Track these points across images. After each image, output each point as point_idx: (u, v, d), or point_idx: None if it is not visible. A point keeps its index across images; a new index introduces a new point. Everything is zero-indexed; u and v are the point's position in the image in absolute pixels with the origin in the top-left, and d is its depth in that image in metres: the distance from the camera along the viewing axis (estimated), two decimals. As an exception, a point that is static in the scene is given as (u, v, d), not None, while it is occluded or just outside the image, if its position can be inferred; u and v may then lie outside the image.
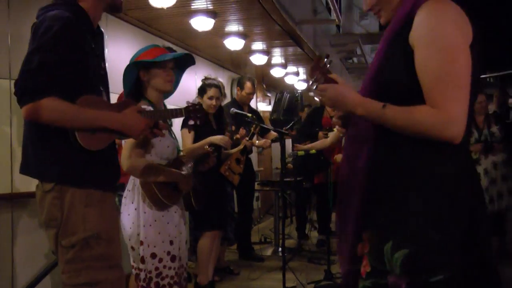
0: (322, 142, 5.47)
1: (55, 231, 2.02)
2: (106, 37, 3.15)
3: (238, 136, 4.88)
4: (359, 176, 1.64)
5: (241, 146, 4.80)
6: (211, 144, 3.92)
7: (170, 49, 3.46)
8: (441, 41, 1.48)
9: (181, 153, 3.03)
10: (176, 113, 2.49)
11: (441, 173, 1.50)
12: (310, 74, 1.69)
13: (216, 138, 4.11)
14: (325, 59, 1.68)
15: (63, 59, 1.95)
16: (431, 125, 1.46)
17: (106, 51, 3.15)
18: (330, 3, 6.83)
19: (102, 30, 3.14)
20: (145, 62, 2.73)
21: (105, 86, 2.20)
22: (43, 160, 2.01)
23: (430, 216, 1.48)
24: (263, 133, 5.55)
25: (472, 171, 1.61)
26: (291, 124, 5.65)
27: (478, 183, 1.62)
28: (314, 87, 1.65)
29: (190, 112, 2.55)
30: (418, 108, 1.49)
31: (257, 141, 5.29)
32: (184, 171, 2.80)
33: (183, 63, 3.00)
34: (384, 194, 1.57)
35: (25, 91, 1.91)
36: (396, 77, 1.55)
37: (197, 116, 2.58)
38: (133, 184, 2.77)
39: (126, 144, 2.66)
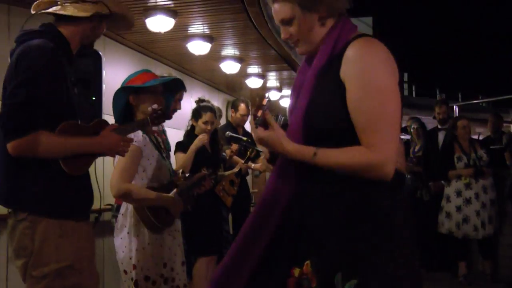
0: None
1: (24, 260, 2.00)
2: (103, 59, 3.21)
3: (231, 151, 4.90)
4: (278, 212, 1.62)
5: (236, 169, 4.83)
6: (207, 168, 3.95)
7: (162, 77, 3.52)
8: (375, 83, 1.50)
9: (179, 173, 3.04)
10: (143, 124, 2.54)
11: (382, 204, 1.53)
12: (254, 114, 1.69)
13: (196, 141, 4.16)
14: (266, 99, 1.68)
15: (49, 93, 1.97)
16: (366, 166, 1.50)
17: (103, 73, 3.21)
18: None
19: (100, 53, 3.21)
20: (134, 87, 2.77)
21: (80, 112, 2.21)
22: (17, 190, 2.01)
23: (375, 247, 1.50)
24: (256, 156, 5.59)
25: (405, 200, 1.64)
26: None
27: (408, 211, 1.64)
28: (256, 127, 1.64)
29: (155, 119, 2.58)
30: (352, 149, 1.51)
31: (253, 165, 5.31)
32: (173, 194, 2.80)
33: (174, 88, 3.04)
34: (324, 229, 1.57)
35: (13, 126, 1.90)
36: (330, 113, 1.55)
37: (161, 121, 2.63)
38: (125, 208, 2.77)
39: (115, 169, 2.65)
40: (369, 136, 1.49)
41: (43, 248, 1.98)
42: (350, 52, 1.55)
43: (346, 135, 1.53)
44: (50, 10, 2.13)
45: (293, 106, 1.72)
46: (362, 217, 1.52)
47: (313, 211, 1.59)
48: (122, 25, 2.40)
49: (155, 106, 2.61)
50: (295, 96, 1.74)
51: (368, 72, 1.51)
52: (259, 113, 1.64)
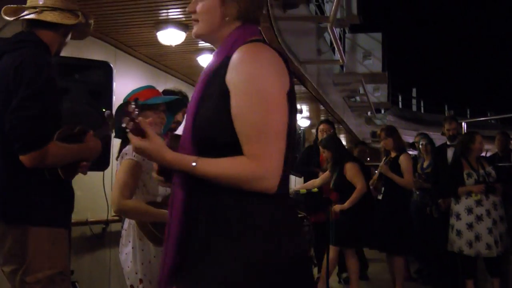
0: (312, 182, 5.54)
1: (14, 267, 2.05)
2: (114, 71, 3.24)
3: None
4: (174, 227, 1.56)
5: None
6: None
7: (169, 92, 3.52)
8: (258, 91, 1.41)
9: None
10: (108, 128, 2.59)
11: (260, 223, 1.43)
12: (122, 120, 1.57)
13: None
14: (133, 105, 1.54)
15: (55, 104, 2.05)
16: (245, 178, 1.40)
17: (114, 85, 3.24)
18: (334, 44, 6.97)
19: (111, 65, 3.24)
20: None
21: (87, 121, 2.34)
22: (9, 200, 2.06)
23: (250, 267, 1.40)
24: None
25: (292, 219, 1.52)
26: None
27: (299, 232, 1.52)
28: (127, 132, 1.53)
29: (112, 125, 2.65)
30: (233, 160, 1.42)
31: None
32: None
33: (176, 106, 3.07)
34: (199, 246, 1.49)
35: (31, 138, 1.94)
36: (216, 121, 1.46)
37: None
38: (128, 223, 2.76)
39: (115, 185, 2.64)
40: (250, 147, 1.41)
41: (37, 255, 2.04)
42: (236, 57, 1.46)
43: (234, 145, 1.44)
44: (31, 16, 2.16)
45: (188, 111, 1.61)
46: (238, 233, 1.43)
47: (193, 226, 1.51)
48: (80, 35, 2.45)
49: (108, 112, 2.68)
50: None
51: (251, 79, 1.42)
52: (126, 121, 1.50)
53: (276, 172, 1.41)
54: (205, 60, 5.30)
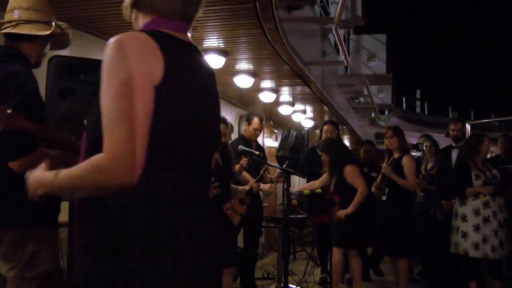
0: (312, 184, 5.55)
1: (12, 265, 2.18)
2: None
3: (240, 165, 4.86)
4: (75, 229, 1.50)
5: (247, 187, 4.79)
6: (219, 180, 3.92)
7: None
8: (111, 78, 1.32)
9: None
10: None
11: (128, 226, 1.34)
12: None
13: None
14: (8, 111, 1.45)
15: (40, 112, 2.16)
16: (94, 170, 1.29)
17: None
18: (339, 45, 6.97)
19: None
20: None
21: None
22: (4, 206, 2.16)
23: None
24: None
25: (158, 228, 1.36)
26: (286, 163, 5.61)
27: (166, 243, 1.37)
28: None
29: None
30: (90, 158, 1.31)
31: (261, 185, 5.25)
32: None
33: None
34: (76, 264, 1.46)
35: (20, 145, 2.05)
36: (96, 119, 1.37)
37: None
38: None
39: None
40: (104, 138, 1.30)
41: (34, 254, 2.17)
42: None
43: None
44: (7, 30, 2.27)
45: None
46: (101, 246, 1.35)
47: (84, 232, 1.43)
48: (60, 45, 2.55)
49: (86, 121, 2.70)
50: None
51: (108, 66, 1.35)
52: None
53: (123, 162, 1.28)
54: (209, 60, 5.31)
